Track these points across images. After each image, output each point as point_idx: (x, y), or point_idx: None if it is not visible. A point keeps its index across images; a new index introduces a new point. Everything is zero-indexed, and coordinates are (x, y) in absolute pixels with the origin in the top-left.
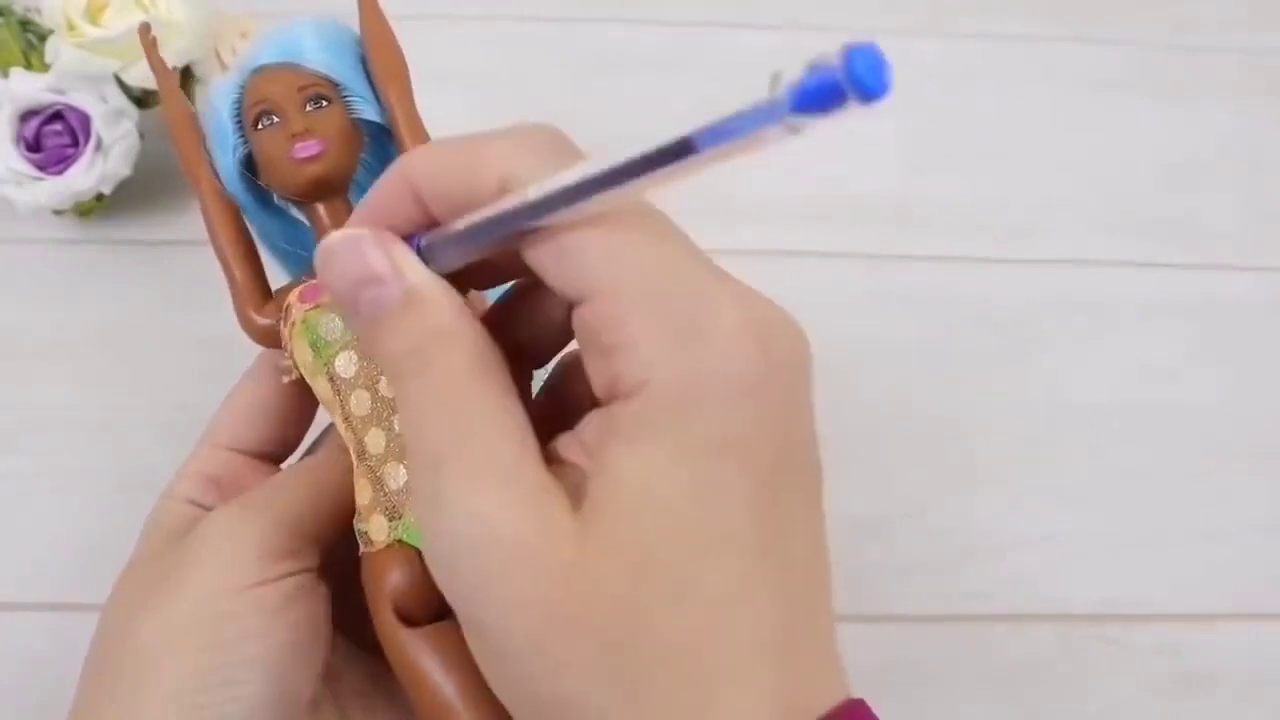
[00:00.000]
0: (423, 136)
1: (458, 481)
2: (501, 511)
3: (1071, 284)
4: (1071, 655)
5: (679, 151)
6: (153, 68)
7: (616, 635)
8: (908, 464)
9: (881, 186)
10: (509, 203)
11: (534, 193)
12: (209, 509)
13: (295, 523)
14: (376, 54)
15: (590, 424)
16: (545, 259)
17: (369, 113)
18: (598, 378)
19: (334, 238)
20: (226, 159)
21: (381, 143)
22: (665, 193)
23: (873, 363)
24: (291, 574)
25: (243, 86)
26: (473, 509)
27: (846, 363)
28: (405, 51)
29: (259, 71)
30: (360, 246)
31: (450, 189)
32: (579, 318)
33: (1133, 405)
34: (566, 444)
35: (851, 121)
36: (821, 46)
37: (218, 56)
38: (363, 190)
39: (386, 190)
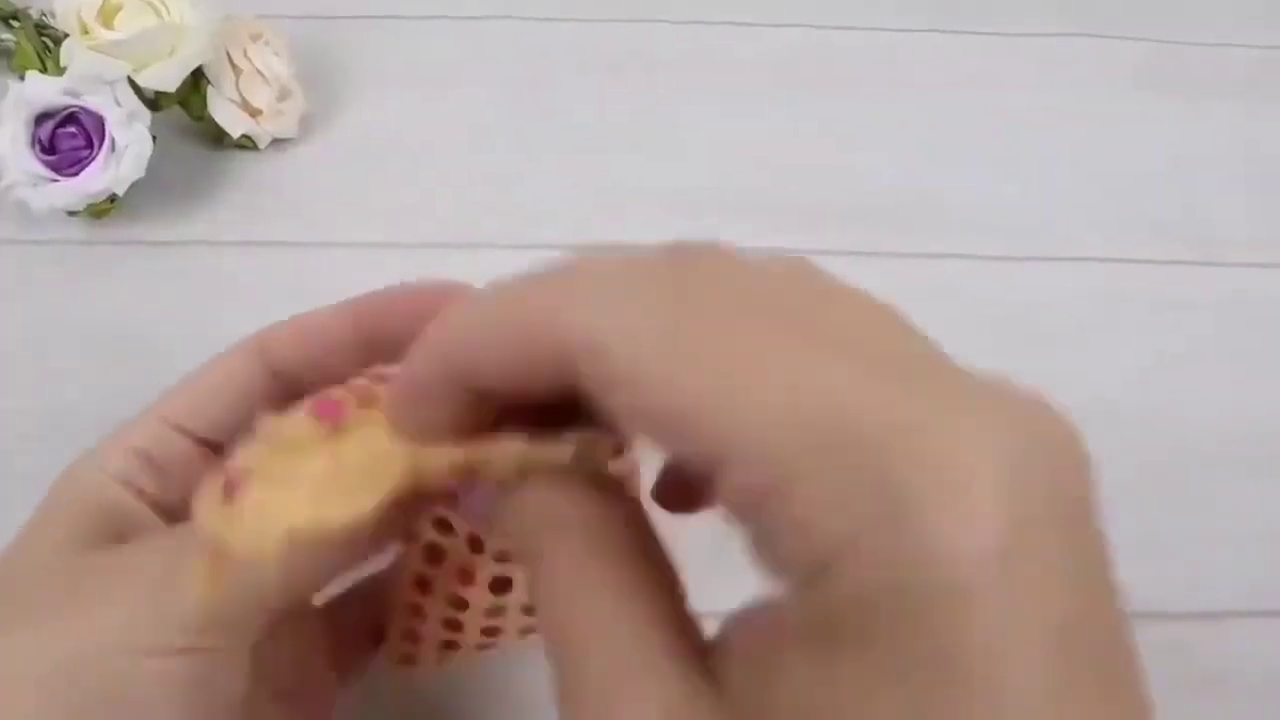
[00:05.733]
0: None
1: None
2: None
3: (1081, 282)
4: None
5: None
6: None
7: None
8: None
9: (888, 185)
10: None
11: None
12: (140, 492)
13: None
14: None
15: (751, 612)
16: (650, 428)
17: None
18: (763, 556)
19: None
20: None
21: None
22: (655, 187)
23: None
24: (214, 650)
25: None
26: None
27: None
28: (404, 51)
29: None
30: None
31: (506, 373)
32: (720, 490)
33: (1144, 403)
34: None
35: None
36: (823, 46)
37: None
38: None
39: (425, 381)
